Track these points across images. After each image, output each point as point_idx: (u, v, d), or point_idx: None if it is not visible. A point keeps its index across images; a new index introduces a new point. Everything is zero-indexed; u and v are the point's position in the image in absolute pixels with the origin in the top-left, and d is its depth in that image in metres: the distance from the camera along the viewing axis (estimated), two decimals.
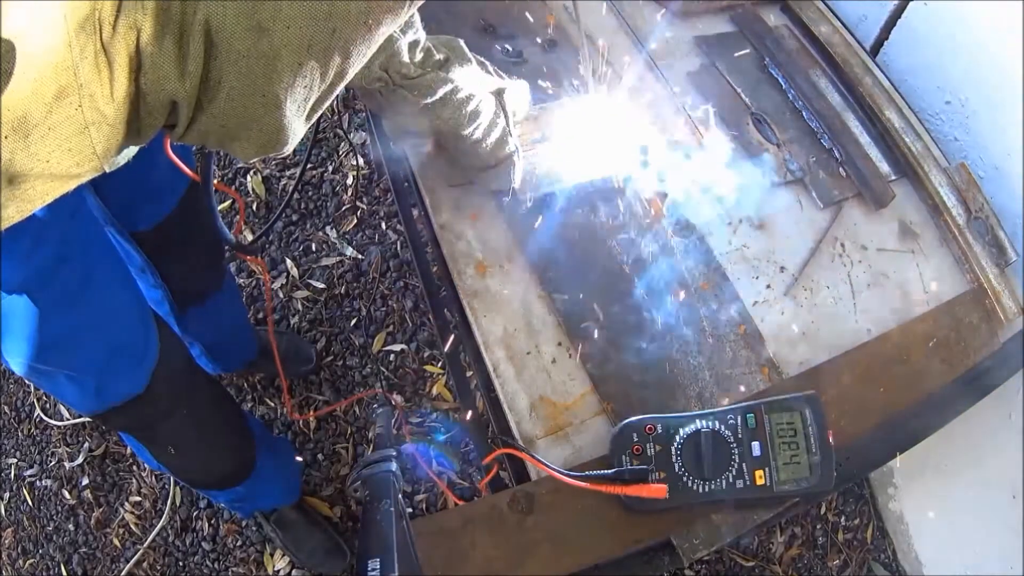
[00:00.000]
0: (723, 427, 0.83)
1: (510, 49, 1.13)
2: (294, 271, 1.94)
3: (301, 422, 1.80)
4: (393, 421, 0.98)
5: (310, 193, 2.04)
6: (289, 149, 0.50)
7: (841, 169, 1.13)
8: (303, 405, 1.82)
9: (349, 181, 2.04)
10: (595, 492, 0.82)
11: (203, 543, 1.74)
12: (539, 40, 1.16)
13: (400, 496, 0.75)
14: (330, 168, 2.06)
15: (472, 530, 0.83)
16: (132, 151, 0.46)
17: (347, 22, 0.43)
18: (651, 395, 0.91)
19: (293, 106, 0.46)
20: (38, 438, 1.91)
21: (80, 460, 1.85)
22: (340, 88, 0.49)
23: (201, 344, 1.53)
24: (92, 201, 0.96)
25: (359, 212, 2.00)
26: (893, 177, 1.15)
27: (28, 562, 1.80)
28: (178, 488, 1.78)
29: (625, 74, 1.14)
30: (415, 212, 1.03)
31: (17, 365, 0.92)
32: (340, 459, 1.76)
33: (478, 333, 0.93)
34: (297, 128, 0.48)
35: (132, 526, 1.78)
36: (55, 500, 1.84)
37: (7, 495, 1.88)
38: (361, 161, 2.01)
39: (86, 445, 1.86)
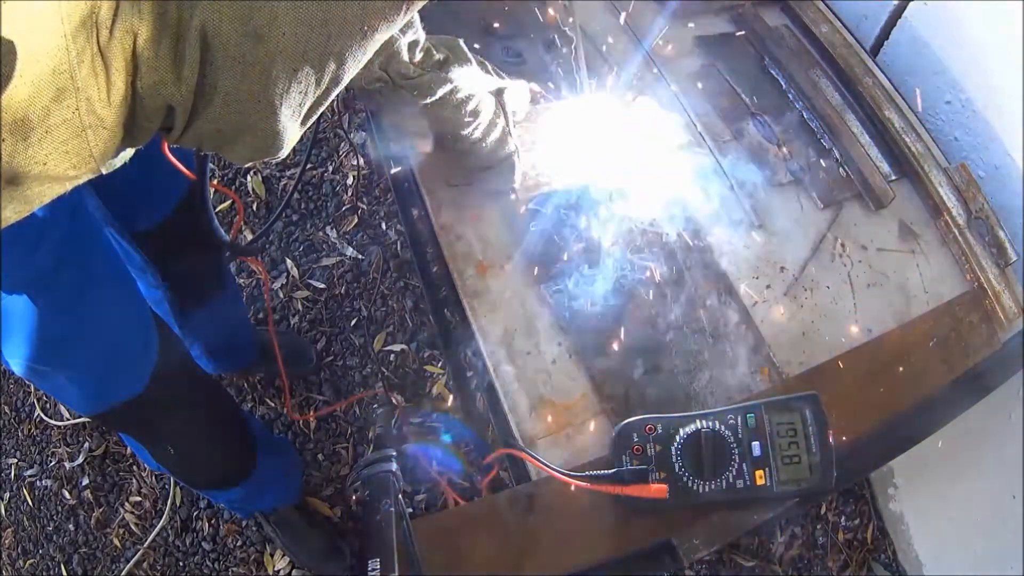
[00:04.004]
0: (723, 427, 0.83)
1: (510, 49, 1.12)
2: (294, 271, 1.94)
3: (301, 422, 1.80)
4: (393, 421, 0.98)
5: (310, 193, 2.04)
6: (284, 153, 0.50)
7: (841, 169, 1.13)
8: (303, 405, 1.82)
9: (349, 181, 2.04)
10: (595, 492, 0.82)
11: (203, 543, 1.74)
12: (539, 40, 1.16)
13: (400, 496, 0.75)
14: (330, 168, 2.06)
15: (472, 530, 0.83)
16: (129, 153, 0.46)
17: (343, 28, 0.43)
18: (651, 395, 0.91)
19: (288, 111, 0.46)
20: (38, 438, 1.91)
21: (80, 460, 1.85)
22: (336, 92, 0.49)
23: (201, 344, 1.53)
24: (92, 201, 0.96)
25: (359, 212, 2.00)
26: (893, 177, 1.15)
27: (28, 562, 1.80)
28: (178, 488, 1.78)
29: (624, 74, 1.13)
30: (415, 212, 1.03)
31: (17, 365, 0.92)
32: (340, 459, 1.76)
33: (478, 333, 0.93)
34: (292, 133, 0.49)
35: (132, 526, 1.78)
36: (55, 500, 1.84)
37: (7, 495, 1.88)
38: (361, 161, 2.01)
39: (86, 445, 1.86)
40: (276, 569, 1.69)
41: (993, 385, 1.01)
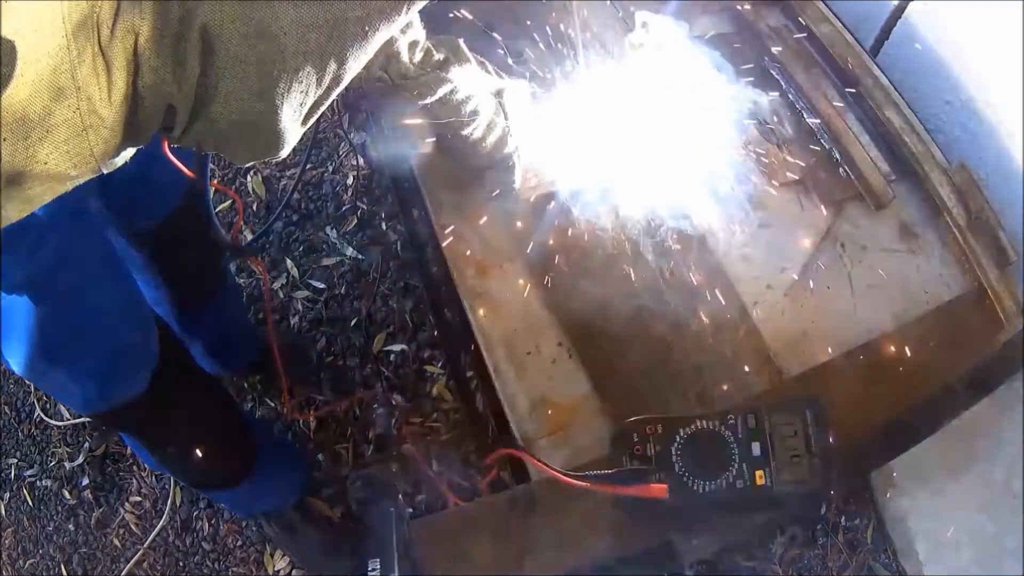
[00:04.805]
0: (723, 427, 0.83)
1: (510, 49, 1.13)
2: (294, 271, 1.94)
3: (301, 422, 1.80)
4: (393, 421, 0.98)
5: (310, 193, 2.04)
6: (284, 153, 0.50)
7: (841, 169, 1.13)
8: (303, 405, 1.82)
9: (349, 181, 2.04)
10: (595, 492, 0.82)
11: (203, 543, 1.74)
12: (539, 40, 1.16)
13: (400, 496, 0.75)
14: (330, 168, 2.06)
15: (472, 530, 0.83)
16: (130, 152, 0.46)
17: (344, 28, 0.44)
18: (651, 395, 0.91)
19: (289, 111, 0.46)
20: (38, 438, 1.91)
21: (80, 460, 1.85)
22: (337, 92, 0.49)
23: (201, 344, 1.53)
24: (92, 201, 0.96)
25: (359, 212, 2.00)
26: (893, 177, 1.15)
27: (28, 562, 1.80)
28: (178, 488, 1.78)
29: (624, 73, 1.13)
30: (415, 212, 1.03)
31: (17, 365, 0.92)
32: (340, 459, 1.76)
33: (478, 333, 0.93)
34: (293, 133, 0.49)
35: (132, 526, 1.78)
36: (55, 500, 1.84)
37: (7, 495, 1.88)
38: (361, 161, 2.01)
39: (86, 445, 1.86)
40: (276, 569, 1.69)
41: (993, 385, 1.01)
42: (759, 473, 0.82)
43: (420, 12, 0.74)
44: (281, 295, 1.93)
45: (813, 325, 1.00)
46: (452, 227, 0.99)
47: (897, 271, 1.08)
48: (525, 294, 0.96)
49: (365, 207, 2.01)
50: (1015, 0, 1.06)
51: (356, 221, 1.99)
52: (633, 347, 0.94)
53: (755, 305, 1.00)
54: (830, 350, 0.99)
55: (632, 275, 0.98)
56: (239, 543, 1.73)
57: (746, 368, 0.95)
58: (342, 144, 2.08)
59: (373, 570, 0.65)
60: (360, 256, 1.95)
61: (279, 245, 1.99)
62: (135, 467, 1.83)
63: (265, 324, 1.78)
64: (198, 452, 1.26)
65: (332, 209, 2.01)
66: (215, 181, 2.07)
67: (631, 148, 1.06)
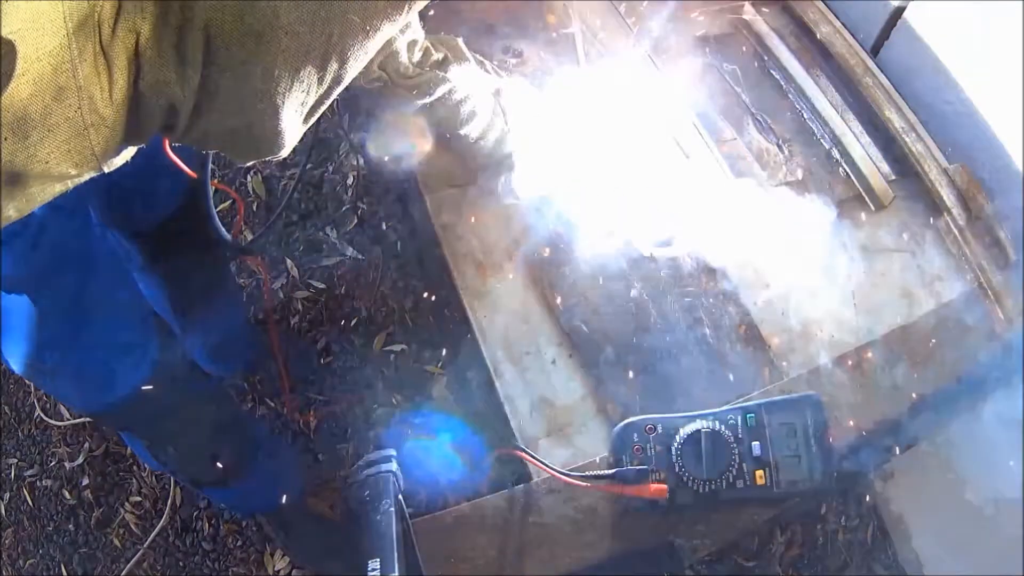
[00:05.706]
0: (723, 427, 0.83)
1: (510, 48, 1.13)
2: (294, 271, 1.94)
3: (301, 422, 1.80)
4: (393, 421, 0.98)
5: (310, 193, 2.04)
6: (285, 152, 0.50)
7: (841, 169, 1.13)
8: (303, 405, 1.82)
9: (349, 181, 2.04)
10: (595, 492, 0.82)
11: (203, 543, 1.74)
12: (539, 40, 1.16)
13: (400, 496, 0.75)
14: (330, 168, 2.06)
15: (472, 530, 0.83)
16: (131, 151, 0.46)
17: (345, 28, 0.44)
18: (651, 395, 0.92)
19: (290, 110, 0.46)
20: (38, 438, 1.91)
21: (80, 460, 1.84)
22: (338, 91, 0.49)
23: (201, 344, 1.53)
24: (92, 200, 0.96)
25: (359, 212, 2.00)
26: (893, 177, 1.15)
27: (28, 562, 1.80)
28: (178, 488, 1.78)
29: (624, 73, 1.14)
30: (415, 212, 1.03)
31: (17, 365, 0.92)
32: (340, 459, 1.76)
33: (478, 333, 0.93)
34: (294, 132, 0.49)
35: (132, 526, 1.78)
36: (55, 500, 1.84)
37: (7, 495, 1.88)
38: (361, 161, 2.01)
39: (86, 445, 1.86)
40: (276, 569, 1.69)
41: (993, 385, 1.01)
42: (759, 473, 0.82)
43: (420, 11, 0.74)
44: (281, 295, 1.93)
45: (813, 325, 1.00)
46: (452, 227, 0.99)
47: (897, 271, 1.08)
48: (525, 294, 0.96)
49: (365, 207, 2.01)
50: (1015, 0, 1.06)
51: (356, 221, 1.99)
52: (633, 347, 0.94)
53: (755, 305, 1.00)
54: (830, 350, 0.99)
55: (632, 275, 0.98)
56: (239, 543, 1.73)
57: (746, 368, 0.95)
58: (342, 144, 2.08)
59: (373, 570, 0.65)
60: (360, 256, 1.95)
61: (279, 245, 1.99)
62: (135, 467, 1.83)
63: (265, 324, 1.78)
64: (198, 452, 1.26)
65: (332, 209, 2.01)
66: (215, 180, 2.06)
67: (630, 149, 1.06)
